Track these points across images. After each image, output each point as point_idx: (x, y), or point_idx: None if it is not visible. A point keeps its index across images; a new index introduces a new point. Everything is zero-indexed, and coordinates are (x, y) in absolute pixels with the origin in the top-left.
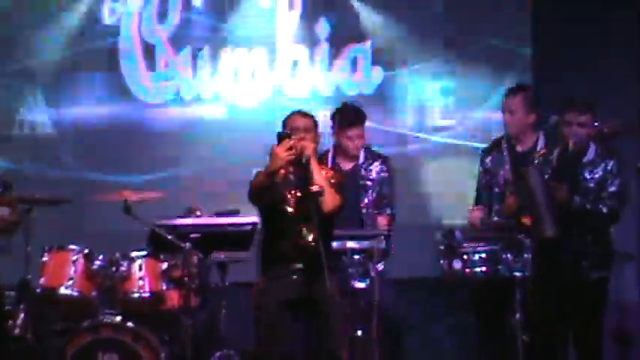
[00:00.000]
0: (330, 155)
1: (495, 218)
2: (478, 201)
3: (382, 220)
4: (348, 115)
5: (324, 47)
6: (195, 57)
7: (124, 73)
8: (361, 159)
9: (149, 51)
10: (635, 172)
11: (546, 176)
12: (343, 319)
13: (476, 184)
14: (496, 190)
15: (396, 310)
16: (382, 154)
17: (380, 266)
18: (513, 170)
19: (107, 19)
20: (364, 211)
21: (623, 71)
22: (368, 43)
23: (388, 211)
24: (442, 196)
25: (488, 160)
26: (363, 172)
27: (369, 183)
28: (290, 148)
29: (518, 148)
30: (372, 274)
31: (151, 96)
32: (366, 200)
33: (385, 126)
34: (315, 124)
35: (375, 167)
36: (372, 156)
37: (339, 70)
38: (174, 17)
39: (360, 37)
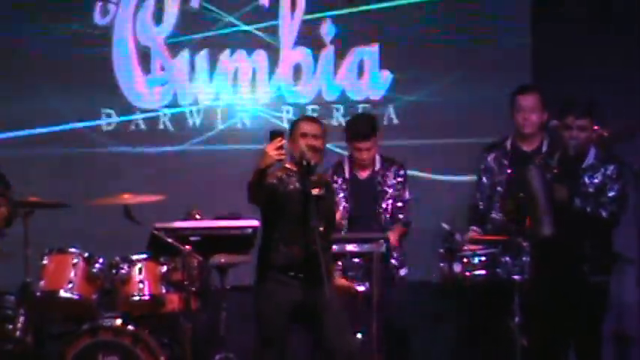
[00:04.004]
0: (346, 165)
1: (496, 216)
2: (478, 200)
3: (392, 236)
4: (358, 127)
5: (328, 50)
6: (192, 60)
7: (117, 77)
8: (377, 166)
9: (144, 54)
10: (633, 175)
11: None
12: (346, 322)
13: (476, 182)
14: (499, 188)
15: (402, 313)
16: (397, 161)
17: (403, 271)
18: (516, 171)
19: (100, 19)
20: (383, 217)
21: (623, 72)
22: (375, 46)
23: (401, 217)
24: (443, 199)
25: (490, 158)
26: (379, 178)
27: (386, 189)
28: (280, 147)
29: (525, 148)
30: (397, 278)
31: (146, 101)
32: (384, 206)
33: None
34: (324, 130)
35: (391, 173)
36: (388, 163)
37: (345, 73)
38: (171, 19)
39: (366, 39)
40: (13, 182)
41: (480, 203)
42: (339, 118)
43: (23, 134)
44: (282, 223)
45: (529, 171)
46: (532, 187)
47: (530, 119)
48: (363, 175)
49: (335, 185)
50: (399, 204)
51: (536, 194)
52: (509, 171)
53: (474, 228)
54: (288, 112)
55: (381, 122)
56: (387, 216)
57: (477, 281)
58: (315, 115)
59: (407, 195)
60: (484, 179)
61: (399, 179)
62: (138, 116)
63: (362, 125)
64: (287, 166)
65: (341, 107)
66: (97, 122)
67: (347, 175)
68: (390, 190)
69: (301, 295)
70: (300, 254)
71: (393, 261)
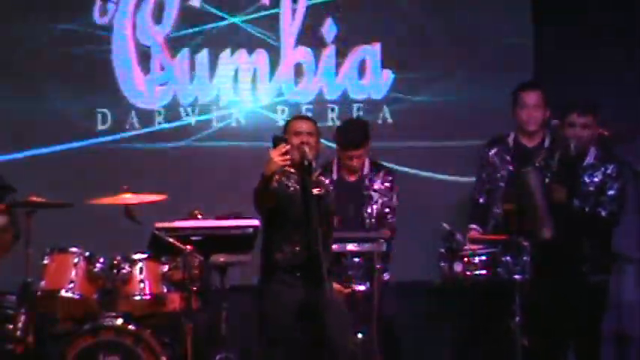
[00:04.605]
0: (334, 167)
1: (498, 210)
2: (477, 195)
3: (385, 233)
4: (350, 136)
5: (330, 49)
6: (192, 60)
7: (117, 76)
8: (366, 170)
9: (144, 54)
10: (634, 175)
11: (546, 180)
12: (348, 321)
13: (475, 179)
14: (501, 184)
15: (397, 314)
16: (386, 166)
17: (386, 276)
18: (518, 169)
19: (99, 18)
20: (367, 221)
21: (624, 75)
22: (377, 45)
23: (390, 219)
24: (444, 199)
25: (491, 153)
26: (367, 182)
27: (372, 194)
28: (285, 153)
29: (527, 144)
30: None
31: (146, 101)
32: (369, 210)
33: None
34: (317, 129)
35: (379, 178)
36: (376, 167)
37: (346, 73)
38: (171, 18)
39: (368, 38)
40: (14, 183)
41: (480, 198)
42: (334, 119)
43: (23, 135)
44: (284, 224)
45: (527, 173)
46: (531, 189)
47: (534, 116)
48: (351, 178)
49: None
50: (387, 209)
51: (534, 197)
52: (511, 167)
53: (474, 226)
54: (283, 112)
55: (380, 122)
56: (373, 220)
57: (478, 281)
58: (309, 114)
59: (395, 201)
60: (484, 174)
61: (387, 184)
62: (137, 116)
63: (354, 134)
64: (284, 168)
65: (336, 108)
66: (97, 122)
67: (334, 176)
68: (376, 195)
69: (305, 294)
70: (303, 254)
71: (378, 265)
